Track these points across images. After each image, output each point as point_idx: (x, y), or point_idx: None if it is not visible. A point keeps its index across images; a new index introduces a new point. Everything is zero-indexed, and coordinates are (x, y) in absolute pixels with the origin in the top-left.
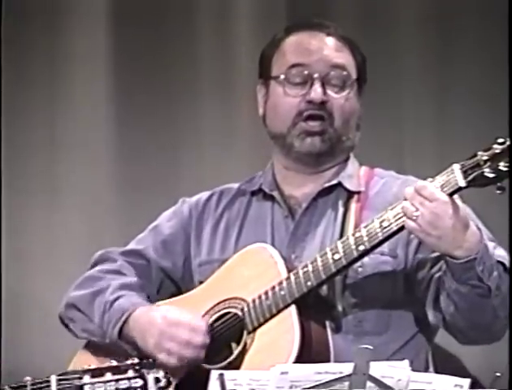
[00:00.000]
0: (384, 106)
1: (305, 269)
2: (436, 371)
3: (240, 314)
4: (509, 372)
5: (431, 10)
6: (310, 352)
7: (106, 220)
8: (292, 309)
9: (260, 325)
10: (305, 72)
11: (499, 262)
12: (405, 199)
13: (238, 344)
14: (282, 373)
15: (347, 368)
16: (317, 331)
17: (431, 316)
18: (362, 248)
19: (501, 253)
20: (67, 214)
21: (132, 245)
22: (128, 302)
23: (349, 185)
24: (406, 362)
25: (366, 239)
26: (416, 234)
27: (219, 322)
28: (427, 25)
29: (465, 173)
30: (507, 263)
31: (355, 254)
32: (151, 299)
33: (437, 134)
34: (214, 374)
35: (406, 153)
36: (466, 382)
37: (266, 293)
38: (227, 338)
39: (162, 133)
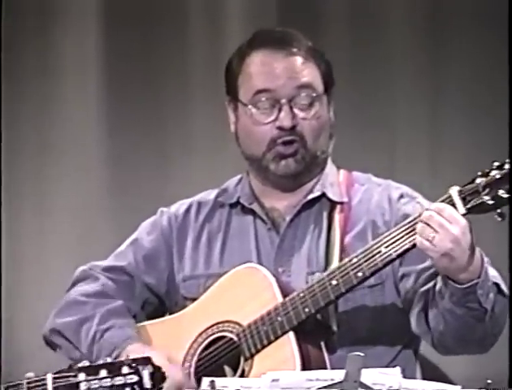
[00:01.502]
0: (375, 108)
1: (302, 294)
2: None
3: (235, 339)
4: (509, 372)
5: (423, 11)
6: None
7: (97, 224)
8: (291, 335)
9: (257, 351)
10: (272, 97)
11: (494, 283)
12: (412, 220)
13: (234, 369)
14: (273, 380)
15: (338, 375)
16: (315, 356)
17: (414, 327)
18: (360, 274)
19: (494, 274)
20: (57, 217)
21: (113, 261)
22: (117, 336)
23: (333, 195)
24: (398, 369)
25: (364, 265)
26: (430, 255)
27: (215, 346)
28: (419, 26)
29: (464, 200)
30: (501, 284)
31: (354, 282)
32: (136, 317)
33: (429, 136)
34: (205, 382)
35: (398, 155)
36: (457, 389)
37: (262, 319)
38: (223, 363)
39: (153, 137)
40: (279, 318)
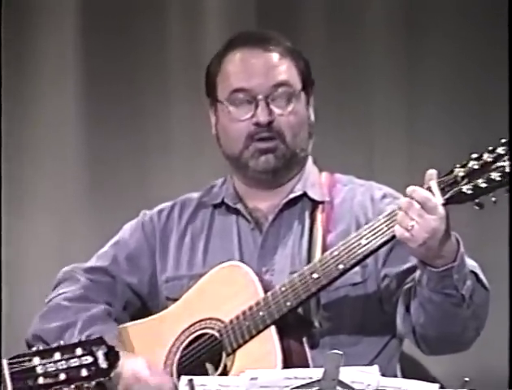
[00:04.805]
0: (353, 107)
1: (283, 288)
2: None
3: (217, 335)
4: (509, 372)
5: (400, 9)
6: None
7: (76, 226)
8: (272, 329)
9: (239, 346)
10: (249, 95)
11: (472, 272)
12: (391, 212)
13: (216, 366)
14: (252, 379)
15: (317, 373)
16: (297, 351)
17: (400, 327)
18: (341, 267)
19: (473, 264)
20: (35, 220)
21: (94, 262)
22: None
23: (314, 195)
24: (376, 367)
25: (345, 257)
26: (408, 243)
27: (196, 343)
28: (396, 24)
29: (443, 190)
30: (480, 275)
31: (335, 274)
32: (118, 319)
33: (407, 135)
34: (184, 381)
35: (376, 153)
36: (435, 387)
37: (244, 314)
38: (204, 360)
39: (132, 138)
40: (260, 313)
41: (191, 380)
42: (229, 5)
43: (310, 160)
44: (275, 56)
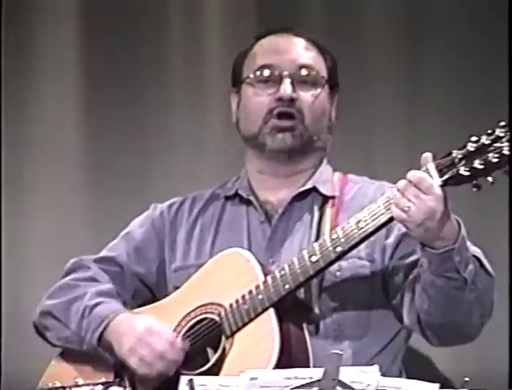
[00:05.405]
0: (352, 108)
1: (283, 272)
2: (407, 374)
3: (217, 319)
4: (509, 372)
5: (400, 11)
6: (289, 355)
7: (76, 226)
8: (271, 312)
9: (238, 329)
10: (275, 72)
11: (475, 256)
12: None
13: (216, 349)
14: (251, 379)
15: (317, 373)
16: (295, 335)
17: (406, 318)
18: (339, 249)
19: (476, 250)
20: (35, 220)
21: (104, 253)
22: (108, 309)
23: (324, 190)
24: (376, 367)
25: (343, 240)
26: (405, 224)
27: (196, 327)
28: (396, 26)
29: (440, 172)
30: (484, 261)
31: (333, 256)
32: (127, 306)
33: (407, 137)
34: (184, 380)
35: (376, 155)
36: (435, 387)
37: (243, 297)
38: (204, 344)
39: (133, 139)
40: (259, 296)
41: (191, 380)
42: (230, 7)
43: (325, 159)
44: (303, 42)
